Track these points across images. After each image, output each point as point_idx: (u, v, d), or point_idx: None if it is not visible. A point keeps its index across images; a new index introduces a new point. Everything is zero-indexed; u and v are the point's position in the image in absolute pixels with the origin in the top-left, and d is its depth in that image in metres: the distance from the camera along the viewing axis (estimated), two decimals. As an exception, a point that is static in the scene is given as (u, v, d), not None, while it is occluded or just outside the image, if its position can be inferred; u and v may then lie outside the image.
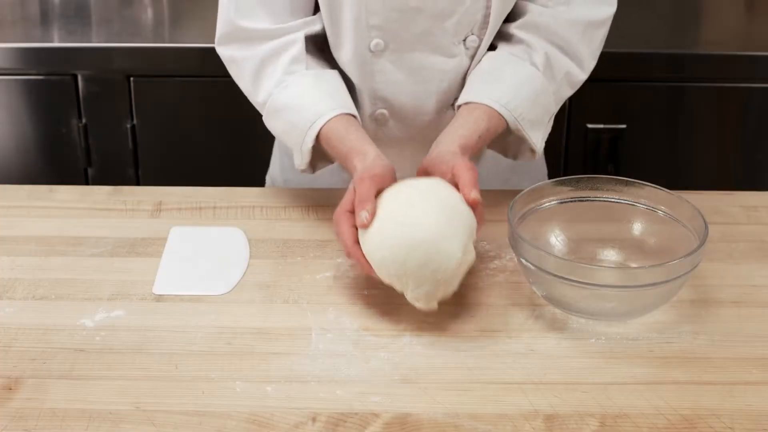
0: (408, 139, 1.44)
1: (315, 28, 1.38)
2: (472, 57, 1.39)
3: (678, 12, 2.26)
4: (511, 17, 1.40)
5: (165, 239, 1.34)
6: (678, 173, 2.13)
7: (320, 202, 1.43)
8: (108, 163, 2.14)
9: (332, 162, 1.38)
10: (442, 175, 1.22)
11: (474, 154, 1.30)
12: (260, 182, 1.64)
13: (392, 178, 1.22)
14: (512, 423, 1.01)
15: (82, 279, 1.25)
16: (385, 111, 1.42)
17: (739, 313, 1.19)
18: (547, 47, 1.37)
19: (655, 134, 2.11)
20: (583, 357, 1.11)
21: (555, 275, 1.13)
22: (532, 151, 1.37)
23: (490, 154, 1.47)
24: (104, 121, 2.10)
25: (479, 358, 1.11)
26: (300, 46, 1.36)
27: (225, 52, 1.41)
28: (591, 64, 1.40)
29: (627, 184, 1.27)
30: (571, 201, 1.27)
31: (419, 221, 1.14)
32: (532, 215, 1.25)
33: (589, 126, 2.06)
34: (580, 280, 1.11)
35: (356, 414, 1.02)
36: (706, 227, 1.18)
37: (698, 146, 2.12)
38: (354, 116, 1.33)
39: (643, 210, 1.25)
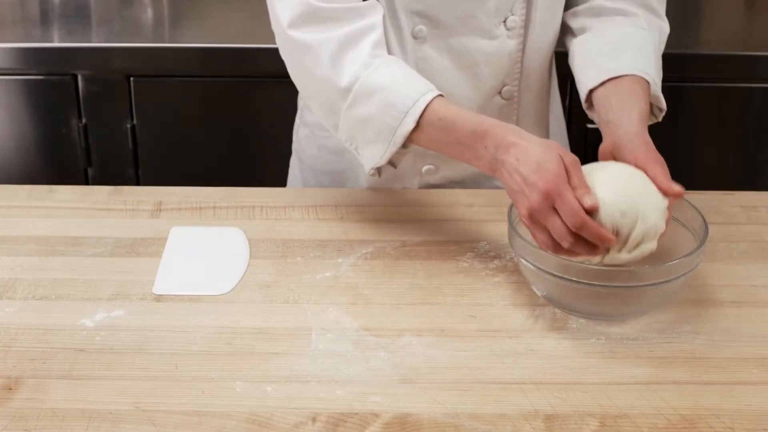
0: None
1: (382, 11, 1.33)
2: (516, 39, 1.39)
3: (678, 12, 2.25)
4: None
5: (165, 239, 1.34)
6: (678, 173, 2.12)
7: (320, 202, 1.43)
8: (108, 163, 2.14)
9: (395, 166, 1.31)
10: (627, 161, 1.21)
11: (647, 120, 1.30)
12: (260, 182, 1.64)
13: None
14: (512, 423, 1.01)
15: (82, 279, 1.25)
16: None
17: (739, 313, 1.19)
18: (641, 11, 1.40)
19: (655, 134, 2.11)
20: (583, 357, 1.11)
21: (555, 275, 1.13)
22: (660, 110, 1.38)
23: None
24: (104, 121, 2.10)
25: (479, 358, 1.11)
26: (380, 31, 1.30)
27: (300, 36, 1.30)
28: (664, 14, 1.45)
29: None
30: None
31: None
32: None
33: (589, 126, 2.06)
34: (580, 280, 1.12)
35: (356, 414, 1.02)
36: (706, 227, 1.18)
37: (698, 146, 2.12)
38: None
39: None
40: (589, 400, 1.04)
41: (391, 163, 1.30)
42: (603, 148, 1.26)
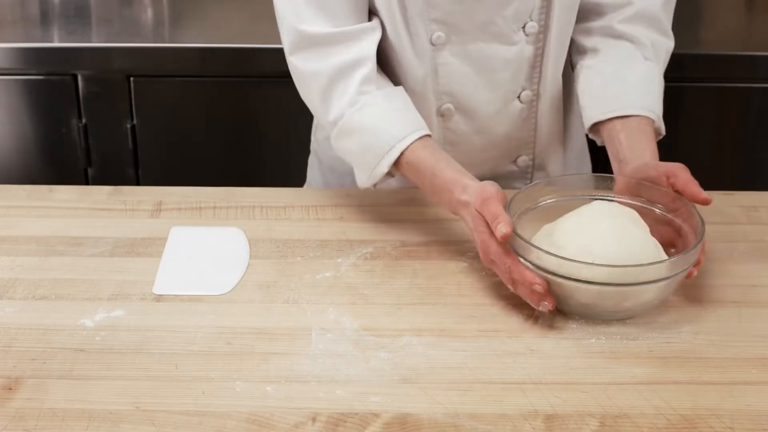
0: (474, 132, 1.44)
1: (377, 34, 1.36)
2: (535, 44, 1.39)
3: (678, 12, 2.25)
4: (595, 6, 1.42)
5: (165, 239, 1.34)
6: (678, 173, 2.13)
7: (320, 202, 1.43)
8: (108, 163, 2.14)
9: (392, 176, 1.35)
10: (656, 180, 1.24)
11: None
12: (260, 182, 1.64)
13: (503, 192, 1.22)
14: (512, 423, 1.01)
15: (82, 279, 1.25)
16: (450, 105, 1.41)
17: (739, 313, 1.19)
18: (651, 35, 1.42)
19: (655, 134, 2.11)
20: (583, 357, 1.11)
21: (552, 273, 1.13)
22: (659, 134, 1.40)
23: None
24: (104, 121, 2.10)
25: (479, 358, 1.11)
26: (371, 65, 1.33)
27: (295, 62, 1.36)
28: (671, 30, 1.47)
29: (629, 182, 1.27)
30: (568, 199, 1.27)
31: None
32: (529, 214, 1.25)
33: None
34: (577, 278, 1.11)
35: (356, 414, 1.02)
36: (703, 225, 1.18)
37: (698, 146, 2.12)
38: (429, 135, 1.33)
39: (639, 208, 1.25)
40: (589, 400, 1.04)
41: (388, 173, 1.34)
42: (616, 190, 1.28)
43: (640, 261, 1.14)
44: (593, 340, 1.14)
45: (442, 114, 1.42)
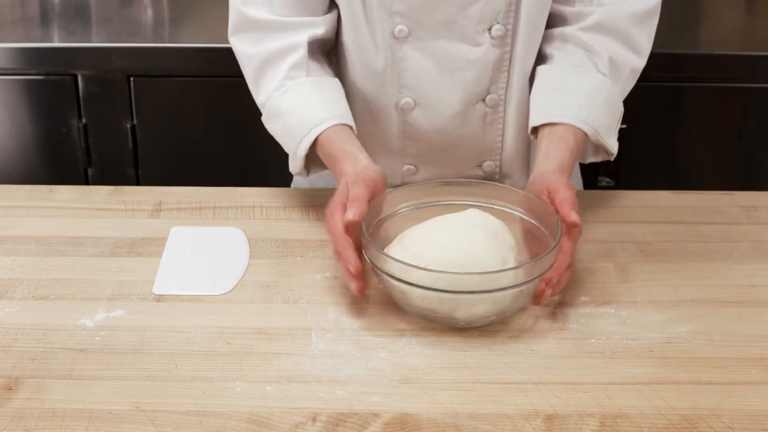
0: (434, 131, 1.43)
1: (318, 31, 1.38)
2: (501, 47, 1.38)
3: (678, 12, 2.26)
4: (560, 13, 1.40)
5: (165, 239, 1.34)
6: (678, 173, 2.13)
7: (320, 202, 1.43)
8: (108, 163, 2.14)
9: (325, 167, 1.38)
10: (538, 193, 1.22)
11: (571, 170, 1.30)
12: (260, 182, 1.64)
13: (384, 184, 1.24)
14: (512, 423, 1.01)
15: (82, 279, 1.25)
16: (410, 99, 1.41)
17: (739, 313, 1.19)
18: (612, 47, 1.37)
19: (655, 134, 2.12)
20: (583, 357, 1.11)
21: (383, 272, 1.13)
22: (607, 152, 1.39)
23: None
24: (104, 121, 2.10)
25: (479, 358, 1.11)
26: (303, 52, 1.36)
27: (235, 43, 1.42)
28: (648, 50, 1.42)
29: (481, 185, 1.28)
30: (425, 206, 1.27)
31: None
32: (403, 215, 1.25)
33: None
34: (407, 280, 1.11)
35: (356, 414, 1.02)
36: (560, 228, 1.16)
37: (698, 146, 2.13)
38: (350, 127, 1.34)
39: (497, 211, 1.25)
40: (589, 400, 1.04)
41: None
42: (516, 201, 1.27)
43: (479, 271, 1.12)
44: (593, 340, 1.14)
45: (401, 108, 1.42)
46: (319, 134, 1.32)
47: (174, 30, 2.22)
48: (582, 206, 1.40)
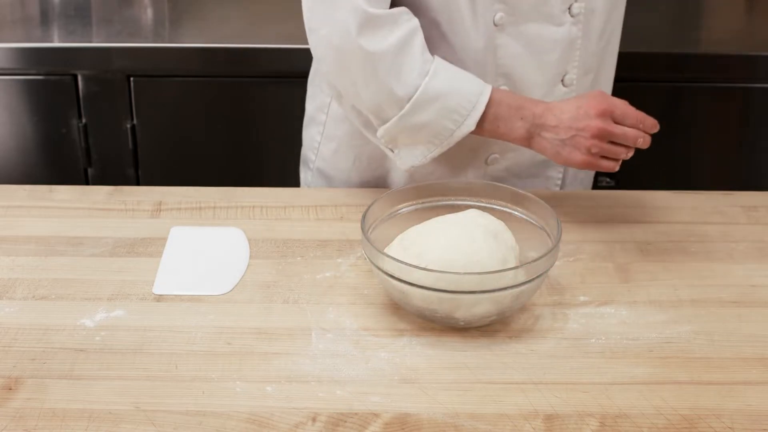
0: None
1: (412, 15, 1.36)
2: (578, 25, 1.40)
3: (678, 12, 2.25)
4: None
5: (165, 239, 1.34)
6: (678, 173, 2.13)
7: (320, 202, 1.43)
8: (108, 163, 2.14)
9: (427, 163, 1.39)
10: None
11: None
12: (260, 182, 1.64)
13: None
14: (512, 423, 1.01)
15: (82, 279, 1.25)
16: (506, 86, 1.42)
17: (739, 313, 1.19)
18: None
19: (655, 134, 2.11)
20: (583, 357, 1.11)
21: (386, 273, 1.13)
22: None
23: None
24: (104, 121, 2.10)
25: (479, 358, 1.11)
26: (421, 33, 1.34)
27: (363, 43, 1.31)
28: None
29: (481, 185, 1.29)
30: (425, 206, 1.27)
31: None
32: (387, 221, 1.25)
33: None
34: (407, 280, 1.11)
35: (356, 414, 1.02)
36: (559, 228, 1.17)
37: (698, 146, 2.12)
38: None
39: (497, 211, 1.25)
40: (589, 400, 1.04)
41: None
42: None
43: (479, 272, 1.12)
44: (593, 340, 1.14)
45: None
46: (489, 97, 1.33)
47: (174, 30, 2.22)
48: (582, 206, 1.41)
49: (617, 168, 1.31)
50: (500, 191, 1.27)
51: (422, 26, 1.35)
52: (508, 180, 1.48)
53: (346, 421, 1.02)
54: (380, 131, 1.37)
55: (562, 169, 1.52)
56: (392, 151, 1.39)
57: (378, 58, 1.31)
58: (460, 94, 1.32)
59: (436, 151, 1.36)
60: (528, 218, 1.24)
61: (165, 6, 2.29)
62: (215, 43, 2.05)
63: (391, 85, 1.32)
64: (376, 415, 1.02)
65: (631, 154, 1.31)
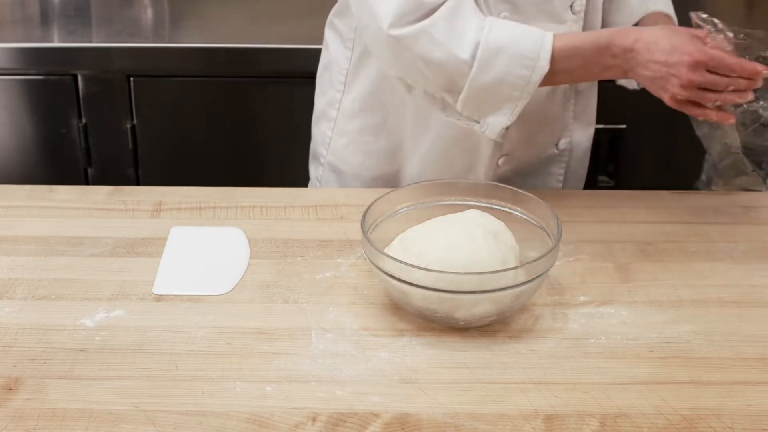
0: (529, 114, 1.41)
1: None
2: (579, 22, 1.40)
3: (678, 12, 2.25)
4: None
5: (165, 239, 1.34)
6: (678, 173, 2.13)
7: (320, 202, 1.43)
8: (108, 163, 2.14)
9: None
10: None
11: None
12: (260, 182, 1.64)
13: None
14: (512, 423, 1.01)
15: (82, 279, 1.25)
16: None
17: (739, 313, 1.19)
18: None
19: (655, 134, 2.11)
20: (583, 357, 1.11)
21: (387, 273, 1.13)
22: None
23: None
24: (104, 121, 2.10)
25: (479, 358, 1.11)
26: None
27: (407, 29, 1.30)
28: None
29: (481, 185, 1.29)
30: (425, 206, 1.27)
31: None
32: (387, 221, 1.25)
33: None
34: (407, 280, 1.11)
35: (356, 414, 1.02)
36: (559, 228, 1.17)
37: (698, 146, 2.12)
38: None
39: (497, 211, 1.25)
40: (589, 400, 1.04)
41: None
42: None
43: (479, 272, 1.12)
44: (593, 340, 1.14)
45: None
46: (555, 37, 1.30)
47: (174, 30, 2.22)
48: (582, 206, 1.41)
49: (711, 116, 1.28)
50: (500, 191, 1.27)
51: None
52: (513, 179, 1.48)
53: (346, 421, 1.02)
54: (459, 105, 1.33)
55: (564, 165, 1.52)
56: (478, 122, 1.35)
57: (432, 30, 1.29)
58: (522, 41, 1.29)
59: (520, 105, 1.31)
60: (528, 218, 1.24)
61: (165, 6, 2.28)
62: (215, 43, 2.05)
63: (453, 50, 1.29)
64: (376, 415, 1.02)
65: (725, 100, 1.27)
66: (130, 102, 2.08)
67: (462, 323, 1.14)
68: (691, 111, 1.29)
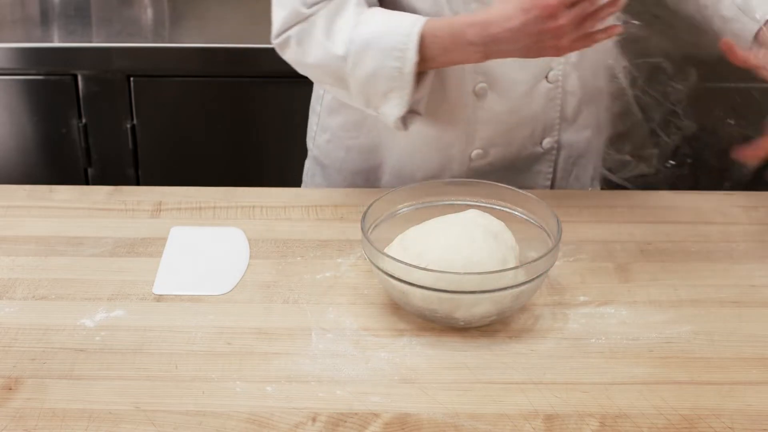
0: (504, 113, 1.44)
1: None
2: None
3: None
4: None
5: (165, 239, 1.34)
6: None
7: (320, 202, 1.43)
8: (108, 163, 2.14)
9: (419, 113, 1.36)
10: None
11: None
12: (260, 182, 1.64)
13: None
14: (512, 423, 1.01)
15: (82, 279, 1.25)
16: (485, 84, 1.41)
17: (739, 313, 1.19)
18: None
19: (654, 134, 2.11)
20: (583, 357, 1.11)
21: (387, 273, 1.13)
22: None
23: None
24: (104, 121, 2.10)
25: (479, 358, 1.11)
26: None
27: (285, 36, 1.37)
28: None
29: (481, 185, 1.28)
30: (425, 206, 1.27)
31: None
32: (387, 221, 1.25)
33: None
34: (407, 280, 1.11)
35: (356, 414, 1.02)
36: (559, 228, 1.17)
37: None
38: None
39: (497, 211, 1.25)
40: (589, 400, 1.04)
41: (415, 110, 1.35)
42: None
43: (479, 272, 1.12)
44: (593, 340, 1.14)
45: (476, 93, 1.42)
46: (423, 27, 1.29)
47: (174, 30, 2.22)
48: (582, 206, 1.41)
49: (600, 37, 1.23)
50: (500, 191, 1.27)
51: None
52: (495, 174, 1.47)
53: (346, 421, 1.02)
54: (353, 99, 1.37)
55: (552, 164, 1.52)
56: (378, 112, 1.37)
57: (312, 31, 1.35)
58: (392, 33, 1.30)
59: (405, 96, 1.32)
60: (528, 218, 1.24)
61: (165, 6, 2.29)
62: (215, 43, 2.05)
63: (330, 48, 1.33)
64: (376, 415, 1.02)
65: (602, 16, 1.22)
66: (130, 102, 2.09)
67: (462, 323, 1.14)
68: (581, 45, 1.25)
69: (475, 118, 1.44)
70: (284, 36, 1.37)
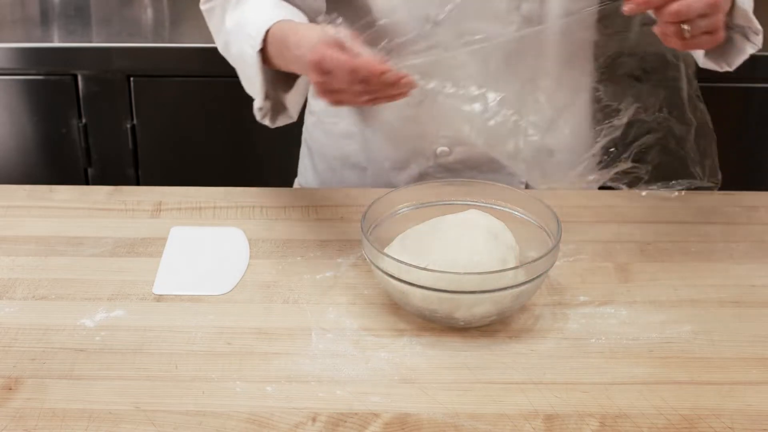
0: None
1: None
2: (533, 27, 1.37)
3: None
4: None
5: (165, 239, 1.34)
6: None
7: (320, 202, 1.43)
8: (108, 163, 2.14)
9: (290, 114, 1.37)
10: None
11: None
12: (260, 182, 1.64)
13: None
14: (512, 423, 1.01)
15: (82, 279, 1.25)
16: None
17: (739, 313, 1.19)
18: None
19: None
20: (583, 357, 1.11)
21: (385, 272, 1.13)
22: (756, 33, 1.36)
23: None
24: (104, 121, 2.10)
25: (479, 358, 1.11)
26: None
27: (204, 7, 1.47)
28: None
29: (481, 185, 1.28)
30: (425, 206, 1.27)
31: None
32: (387, 221, 1.25)
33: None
34: (407, 280, 1.11)
35: (356, 414, 1.02)
36: (559, 228, 1.17)
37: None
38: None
39: (497, 211, 1.25)
40: (589, 400, 1.04)
41: (287, 111, 1.36)
42: None
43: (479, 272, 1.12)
44: (593, 340, 1.14)
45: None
46: (271, 26, 1.28)
47: (174, 30, 2.22)
48: (582, 206, 1.41)
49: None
50: (500, 191, 1.27)
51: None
52: (465, 172, 1.48)
53: (346, 421, 1.02)
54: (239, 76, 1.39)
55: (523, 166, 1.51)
56: (254, 97, 1.38)
57: (211, 13, 1.44)
58: (256, 22, 1.30)
59: (258, 82, 1.30)
60: (528, 218, 1.24)
61: (165, 6, 2.29)
62: (215, 43, 2.05)
63: (217, 26, 1.41)
64: (376, 415, 1.02)
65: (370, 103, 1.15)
66: (130, 102, 2.09)
67: (462, 323, 1.14)
68: (362, 104, 1.17)
69: (437, 115, 1.44)
70: (209, 5, 1.44)
